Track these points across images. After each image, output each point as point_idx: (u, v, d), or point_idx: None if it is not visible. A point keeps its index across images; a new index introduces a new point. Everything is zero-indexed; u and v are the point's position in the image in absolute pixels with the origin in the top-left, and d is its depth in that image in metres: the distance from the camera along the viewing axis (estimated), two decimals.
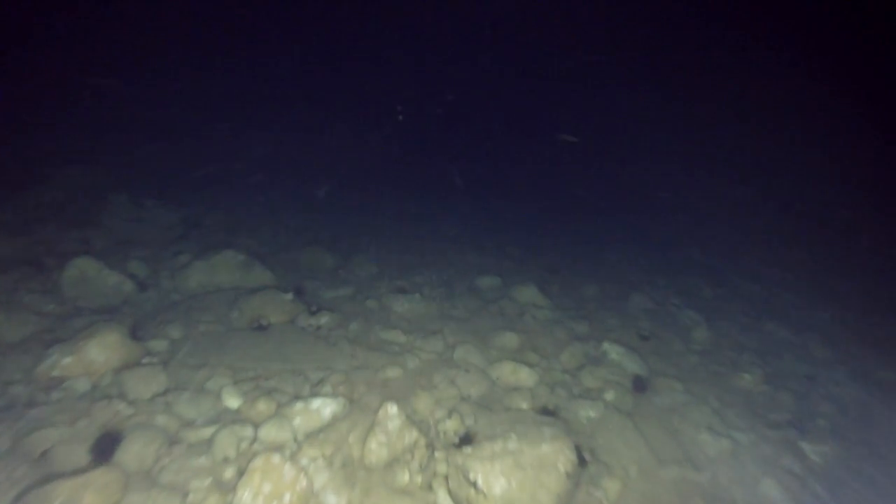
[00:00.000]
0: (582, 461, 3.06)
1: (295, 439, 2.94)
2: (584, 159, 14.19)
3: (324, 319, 4.58)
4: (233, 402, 3.22)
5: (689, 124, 12.98)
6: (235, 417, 3.09)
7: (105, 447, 2.66)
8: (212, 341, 3.93)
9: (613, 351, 4.52)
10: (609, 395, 3.89)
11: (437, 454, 2.99)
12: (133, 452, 2.65)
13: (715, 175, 11.75)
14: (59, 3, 10.65)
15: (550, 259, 7.78)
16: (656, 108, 13.97)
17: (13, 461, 2.49)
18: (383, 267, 6.55)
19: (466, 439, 3.03)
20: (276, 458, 2.50)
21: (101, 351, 3.38)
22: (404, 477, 2.82)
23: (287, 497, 2.42)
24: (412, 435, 2.98)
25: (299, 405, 3.09)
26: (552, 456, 2.78)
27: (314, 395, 3.28)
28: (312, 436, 2.96)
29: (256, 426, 2.98)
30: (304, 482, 2.51)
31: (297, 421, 3.04)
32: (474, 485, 2.61)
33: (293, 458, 2.73)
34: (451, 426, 3.23)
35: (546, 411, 3.58)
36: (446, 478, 2.83)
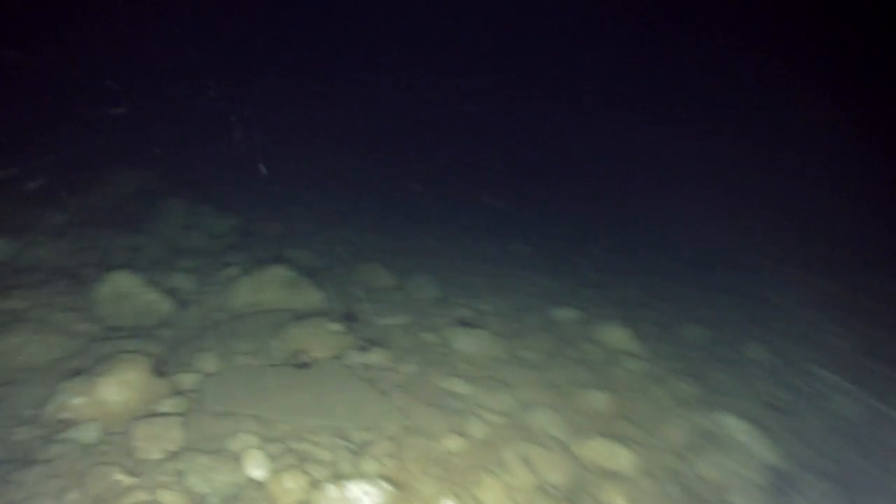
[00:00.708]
0: None
1: None
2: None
3: (374, 358, 3.92)
4: (257, 471, 2.60)
5: None
6: (256, 496, 2.46)
7: None
8: (245, 381, 3.37)
9: (736, 427, 3.50)
10: (738, 500, 2.91)
11: None
12: None
13: None
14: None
15: (638, 286, 6.73)
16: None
17: None
18: (446, 289, 5.84)
19: None
20: None
21: (118, 390, 2.90)
22: None
23: None
24: None
25: (333, 492, 2.41)
26: None
27: (353, 475, 2.58)
28: None
29: None
30: None
31: None
32: None
33: None
34: None
35: None
36: None
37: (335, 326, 4.03)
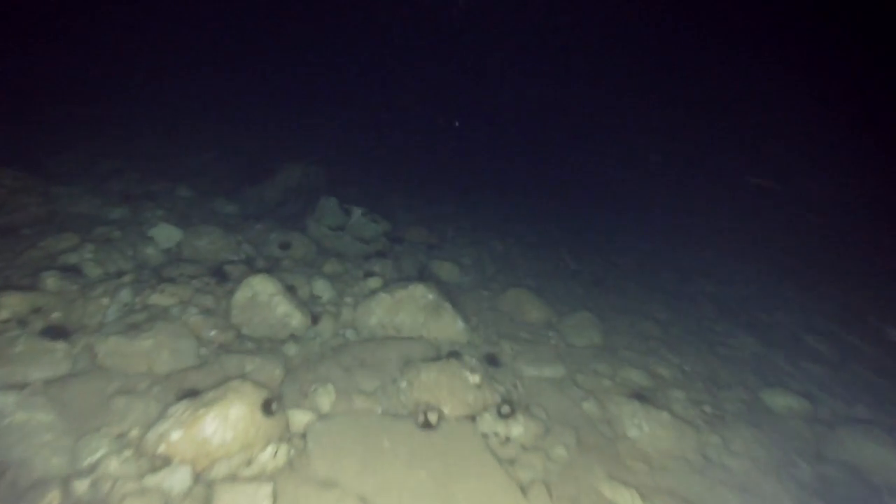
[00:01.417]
0: None
1: None
2: None
3: (517, 429, 3.01)
4: None
5: None
6: None
7: None
8: (358, 435, 2.75)
9: None
10: None
11: None
12: None
13: None
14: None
15: None
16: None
17: None
18: (610, 335, 4.66)
19: None
20: None
21: (220, 427, 2.48)
22: None
23: None
24: None
25: None
26: None
27: None
28: None
29: None
30: None
31: None
32: None
33: None
34: None
35: None
36: None
37: (473, 377, 3.21)
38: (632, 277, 6.63)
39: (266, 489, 2.24)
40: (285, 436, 2.68)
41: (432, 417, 2.95)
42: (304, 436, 2.72)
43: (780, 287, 6.75)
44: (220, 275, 3.96)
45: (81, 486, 2.17)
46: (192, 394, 2.75)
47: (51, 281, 3.44)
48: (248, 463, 2.45)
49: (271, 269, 4.41)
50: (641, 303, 5.70)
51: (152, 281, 3.77)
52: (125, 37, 11.50)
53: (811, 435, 3.54)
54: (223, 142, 8.19)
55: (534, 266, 6.45)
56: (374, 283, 4.76)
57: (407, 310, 4.14)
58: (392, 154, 11.41)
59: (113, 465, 2.31)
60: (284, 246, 5.02)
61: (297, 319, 3.68)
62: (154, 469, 2.31)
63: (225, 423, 2.49)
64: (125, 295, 3.43)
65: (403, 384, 3.26)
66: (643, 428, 3.20)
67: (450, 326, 4.11)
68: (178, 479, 2.28)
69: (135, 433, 2.54)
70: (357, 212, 5.63)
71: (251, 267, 4.31)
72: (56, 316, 3.20)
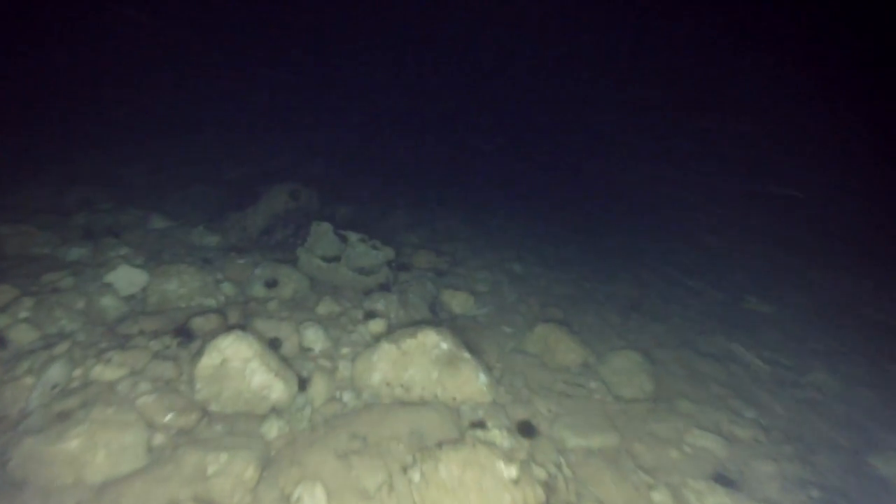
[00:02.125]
0: None
1: None
2: None
3: None
4: None
5: None
6: None
7: None
8: None
9: None
10: None
11: None
12: None
13: None
14: None
15: None
16: None
17: None
18: (665, 382, 3.87)
19: None
20: None
21: None
22: None
23: None
24: None
25: None
26: None
27: None
28: None
29: None
30: None
31: None
32: None
33: None
34: None
35: None
36: None
37: (509, 470, 2.43)
38: (671, 298, 5.83)
39: None
40: None
41: None
42: None
43: (855, 304, 5.92)
44: (185, 333, 3.21)
45: None
46: None
47: None
48: None
49: (251, 317, 3.67)
50: (689, 332, 4.90)
51: (101, 345, 3.04)
52: (105, 44, 10.89)
53: None
54: (208, 158, 7.52)
55: (557, 289, 5.66)
56: (376, 326, 4.01)
57: (417, 363, 3.38)
58: (391, 163, 10.70)
59: None
60: (271, 284, 4.28)
61: (278, 390, 2.92)
62: None
63: None
64: (57, 371, 2.69)
65: (416, 477, 2.49)
66: None
67: (470, 382, 3.34)
68: None
69: None
70: (354, 238, 4.89)
71: (227, 318, 3.56)
72: None
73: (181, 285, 3.94)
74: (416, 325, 4.09)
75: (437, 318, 4.51)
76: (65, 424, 2.37)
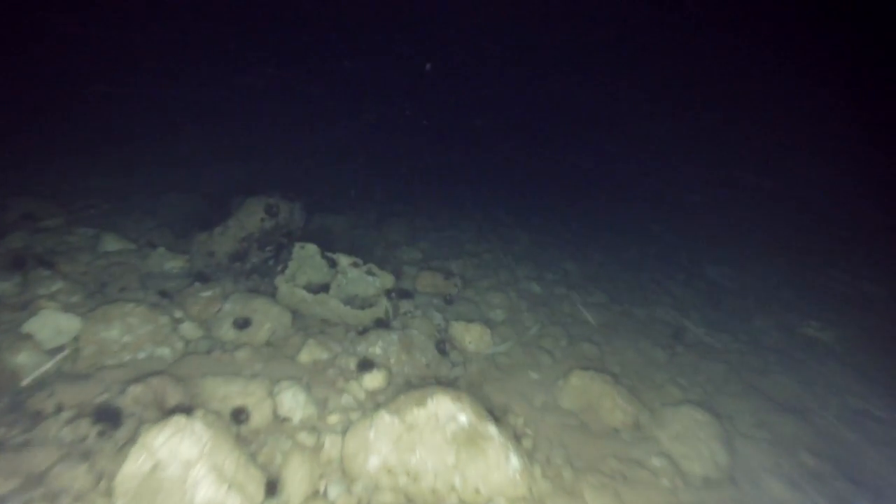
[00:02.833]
0: None
1: None
2: None
3: None
4: None
5: None
6: None
7: None
8: None
9: None
10: None
11: None
12: None
13: None
14: None
15: None
16: None
17: None
18: (739, 447, 3.05)
19: None
20: None
21: None
22: None
23: None
24: None
25: None
26: None
27: None
28: None
29: None
30: None
31: None
32: None
33: None
34: None
35: None
36: None
37: None
38: (719, 324, 5.00)
39: None
40: None
41: None
42: None
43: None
44: (110, 415, 2.36)
45: None
46: None
47: None
48: None
49: (211, 376, 2.82)
50: (750, 371, 4.08)
51: None
52: (80, 42, 10.01)
53: None
54: (189, 162, 6.65)
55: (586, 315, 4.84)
56: (372, 380, 3.18)
57: (428, 443, 2.55)
58: (385, 164, 9.84)
59: None
60: (242, 325, 3.44)
61: (247, 492, 2.08)
62: None
63: None
64: None
65: None
66: None
67: (498, 468, 2.51)
68: None
69: None
70: (346, 262, 4.04)
71: (178, 381, 2.72)
72: None
73: (126, 331, 3.10)
74: (423, 382, 3.27)
75: (447, 359, 3.68)
76: None
